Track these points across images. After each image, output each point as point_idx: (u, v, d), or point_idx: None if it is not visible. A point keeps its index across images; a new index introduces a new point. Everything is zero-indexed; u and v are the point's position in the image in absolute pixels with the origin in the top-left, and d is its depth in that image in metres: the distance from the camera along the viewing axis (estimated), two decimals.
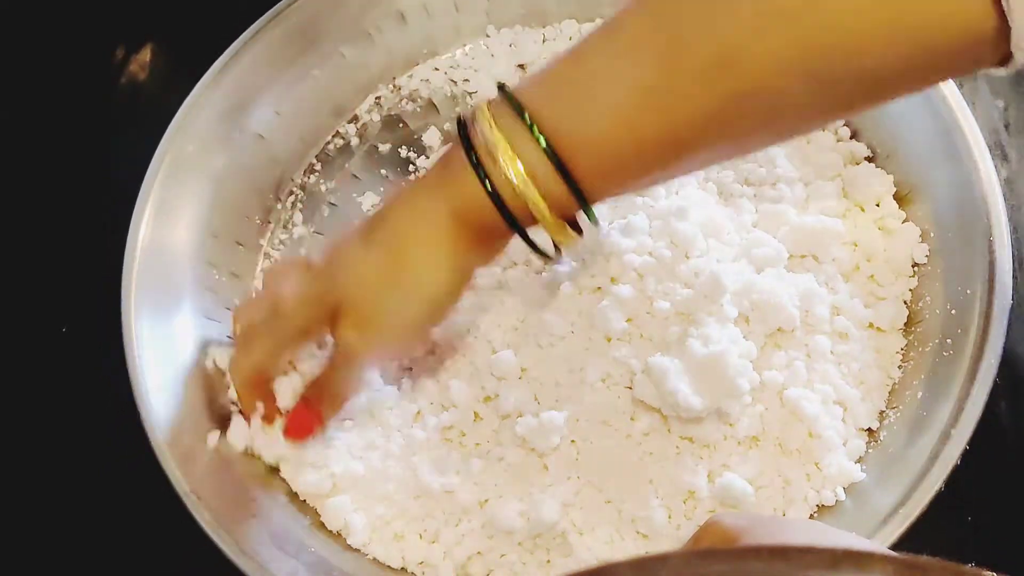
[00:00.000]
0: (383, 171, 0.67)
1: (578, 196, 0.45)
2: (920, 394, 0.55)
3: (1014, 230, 0.57)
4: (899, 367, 0.57)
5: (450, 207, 0.47)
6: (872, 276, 0.59)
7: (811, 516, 0.54)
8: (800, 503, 0.54)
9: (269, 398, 0.55)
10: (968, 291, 0.55)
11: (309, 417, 0.55)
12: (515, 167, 0.44)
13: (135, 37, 0.73)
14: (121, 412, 0.58)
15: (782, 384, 0.55)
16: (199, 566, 0.55)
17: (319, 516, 0.57)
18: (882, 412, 0.56)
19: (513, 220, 0.46)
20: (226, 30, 0.65)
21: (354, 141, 0.69)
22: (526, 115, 0.44)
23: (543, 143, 0.44)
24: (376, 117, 0.69)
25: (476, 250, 0.49)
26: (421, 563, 0.55)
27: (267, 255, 0.66)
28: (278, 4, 0.65)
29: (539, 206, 0.45)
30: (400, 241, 0.49)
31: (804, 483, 0.54)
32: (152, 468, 0.55)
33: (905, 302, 0.58)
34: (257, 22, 0.64)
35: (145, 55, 0.73)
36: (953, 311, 0.56)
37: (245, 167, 0.65)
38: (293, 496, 0.58)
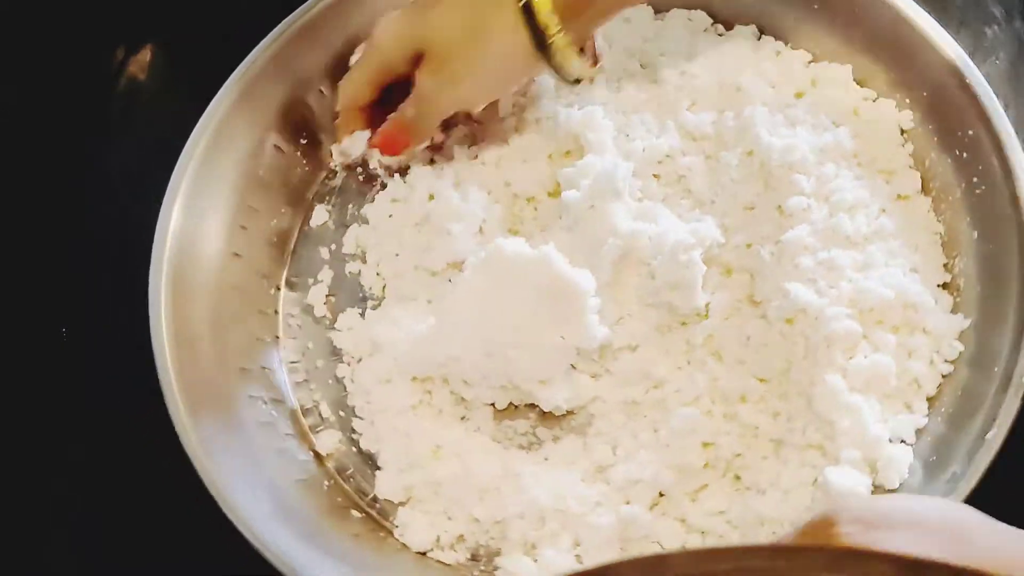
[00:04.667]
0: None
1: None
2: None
3: None
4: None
5: None
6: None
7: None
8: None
9: (363, 125, 0.62)
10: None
11: (400, 136, 0.61)
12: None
13: (135, 37, 0.73)
14: (121, 412, 0.58)
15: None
16: (205, 559, 0.55)
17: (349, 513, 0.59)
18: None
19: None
20: (226, 30, 0.65)
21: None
22: None
23: None
24: None
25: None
26: None
27: (294, 252, 0.65)
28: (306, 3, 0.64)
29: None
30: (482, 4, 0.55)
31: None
32: (153, 463, 0.55)
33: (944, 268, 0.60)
34: (282, 23, 0.64)
35: (145, 55, 0.73)
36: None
37: (274, 161, 0.65)
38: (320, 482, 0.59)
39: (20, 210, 0.69)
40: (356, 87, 0.61)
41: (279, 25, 0.63)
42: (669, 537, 0.56)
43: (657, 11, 0.67)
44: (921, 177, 0.61)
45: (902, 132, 0.62)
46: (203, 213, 0.61)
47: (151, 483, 0.58)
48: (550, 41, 0.54)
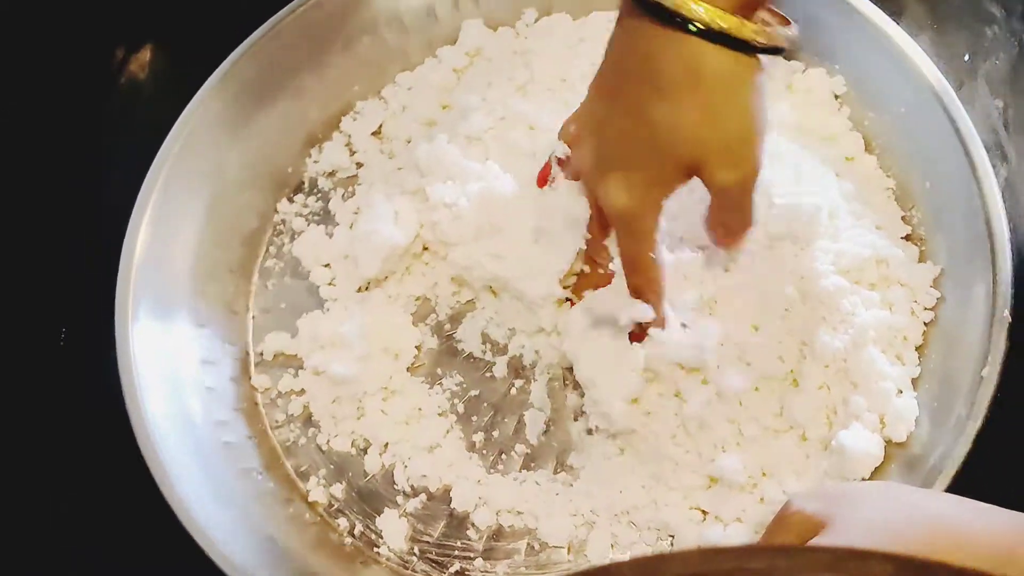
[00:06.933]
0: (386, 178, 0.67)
1: None
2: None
3: (1013, 228, 0.57)
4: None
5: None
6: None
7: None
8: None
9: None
10: (972, 297, 0.56)
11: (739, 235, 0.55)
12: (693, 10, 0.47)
13: (135, 37, 0.73)
14: (121, 412, 0.58)
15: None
16: (205, 559, 0.55)
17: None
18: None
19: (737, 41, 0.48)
20: (226, 30, 0.65)
21: (357, 142, 0.68)
22: None
23: None
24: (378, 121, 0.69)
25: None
26: None
27: (267, 250, 0.66)
28: (277, 14, 0.65)
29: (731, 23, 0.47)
30: (686, 66, 0.48)
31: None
32: (147, 469, 0.55)
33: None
34: (254, 33, 0.65)
35: (145, 55, 0.73)
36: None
37: (246, 166, 0.65)
38: (288, 503, 0.59)
39: (20, 210, 0.69)
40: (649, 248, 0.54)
41: (259, 28, 0.64)
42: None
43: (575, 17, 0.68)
44: (863, 137, 0.63)
45: (836, 97, 0.64)
46: (173, 232, 0.62)
47: (151, 483, 0.58)
48: (752, 40, 0.48)
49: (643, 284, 0.55)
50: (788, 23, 0.50)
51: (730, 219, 0.54)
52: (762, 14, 0.49)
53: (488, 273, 0.60)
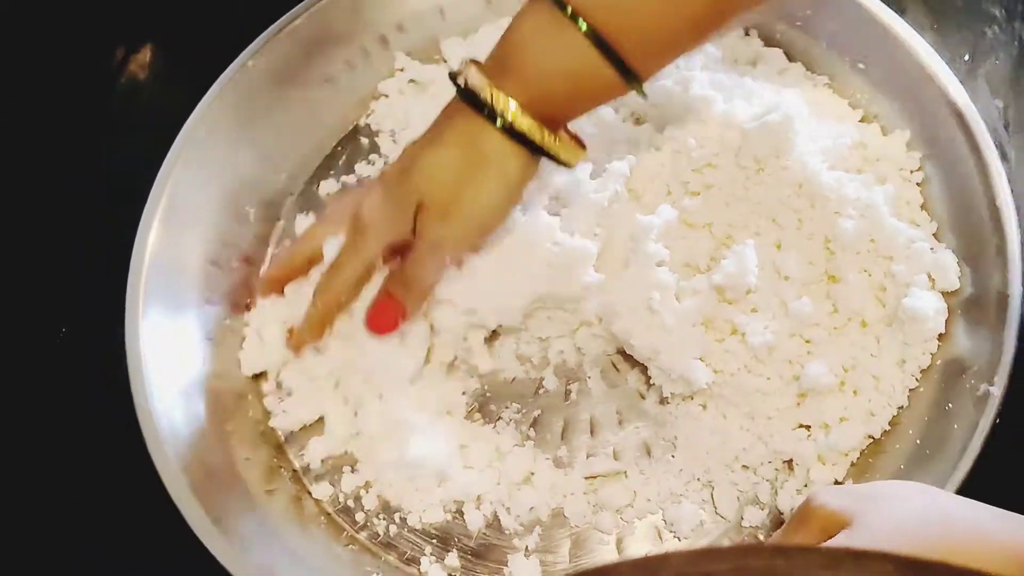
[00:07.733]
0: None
1: (627, 75, 0.50)
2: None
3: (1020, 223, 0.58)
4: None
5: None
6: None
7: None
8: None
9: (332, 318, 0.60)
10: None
11: (393, 309, 0.58)
12: (506, 106, 0.51)
13: (135, 37, 0.73)
14: (121, 412, 0.58)
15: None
16: (192, 571, 0.55)
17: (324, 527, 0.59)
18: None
19: (532, 144, 0.52)
20: (226, 30, 0.65)
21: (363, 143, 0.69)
22: (568, 8, 0.49)
23: (584, 28, 0.49)
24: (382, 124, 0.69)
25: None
26: None
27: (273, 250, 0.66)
28: (280, 20, 0.65)
29: (535, 132, 0.52)
30: (470, 139, 0.53)
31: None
32: (152, 464, 0.55)
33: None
34: (262, 35, 0.65)
35: (145, 55, 0.73)
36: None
37: (252, 168, 0.65)
38: (295, 498, 0.59)
39: (20, 210, 0.69)
40: (358, 277, 0.58)
41: (263, 33, 0.64)
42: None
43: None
44: (782, 51, 0.66)
45: (746, 32, 0.67)
46: (182, 235, 0.62)
47: (151, 483, 0.58)
48: (543, 146, 0.53)
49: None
50: (583, 146, 0.55)
51: (411, 275, 0.57)
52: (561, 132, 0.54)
53: (533, 295, 0.59)
